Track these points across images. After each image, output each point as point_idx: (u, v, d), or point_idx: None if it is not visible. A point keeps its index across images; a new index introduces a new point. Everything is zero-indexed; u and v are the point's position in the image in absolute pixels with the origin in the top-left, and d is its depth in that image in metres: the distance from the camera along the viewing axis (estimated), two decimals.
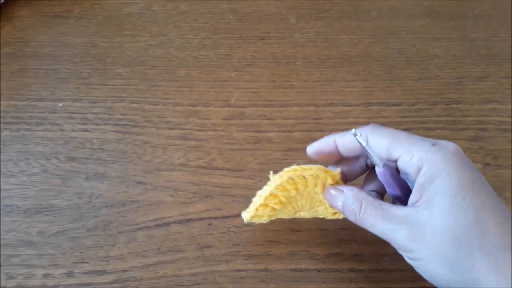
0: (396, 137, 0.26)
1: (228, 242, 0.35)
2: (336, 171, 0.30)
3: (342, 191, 0.28)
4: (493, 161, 0.39)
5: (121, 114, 0.44)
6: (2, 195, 0.38)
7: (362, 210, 0.27)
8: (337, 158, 0.31)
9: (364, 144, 0.26)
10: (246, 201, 0.35)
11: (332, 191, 0.29)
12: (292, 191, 0.30)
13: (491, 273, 0.22)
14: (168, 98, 0.45)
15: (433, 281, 0.25)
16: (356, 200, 0.27)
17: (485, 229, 0.23)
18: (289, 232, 0.35)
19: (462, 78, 0.47)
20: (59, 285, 0.33)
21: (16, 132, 0.42)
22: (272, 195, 0.30)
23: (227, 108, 0.44)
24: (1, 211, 0.37)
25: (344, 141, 0.29)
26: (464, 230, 0.23)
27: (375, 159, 0.27)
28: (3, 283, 0.33)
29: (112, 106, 0.44)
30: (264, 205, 0.31)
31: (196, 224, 0.36)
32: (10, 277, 0.33)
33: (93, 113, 0.44)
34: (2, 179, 0.39)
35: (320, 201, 0.31)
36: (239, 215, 0.36)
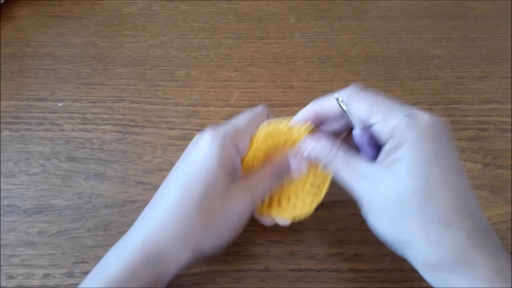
0: (375, 102, 0.27)
1: None
2: (306, 124, 0.31)
3: (318, 139, 0.30)
4: (493, 161, 0.39)
5: (121, 114, 0.44)
6: (2, 195, 0.38)
7: (334, 154, 0.28)
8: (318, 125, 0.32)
9: (345, 108, 0.27)
10: None
11: (308, 139, 0.30)
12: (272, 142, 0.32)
13: (422, 239, 0.24)
14: (168, 98, 0.45)
15: (377, 234, 0.27)
16: (332, 145, 0.29)
17: (427, 201, 0.24)
18: (289, 232, 0.35)
19: (462, 78, 0.47)
20: (59, 285, 0.32)
21: (16, 132, 0.42)
22: (258, 150, 0.31)
23: (227, 108, 0.44)
24: (1, 211, 0.37)
25: (323, 110, 0.30)
26: (409, 196, 0.24)
27: (354, 122, 0.28)
28: (3, 283, 0.33)
29: (112, 106, 0.44)
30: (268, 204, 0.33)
31: None
32: (10, 277, 0.33)
33: (93, 113, 0.44)
34: (2, 179, 0.39)
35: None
36: None
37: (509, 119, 0.42)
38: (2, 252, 0.34)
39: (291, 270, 0.33)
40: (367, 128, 0.28)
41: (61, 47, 0.51)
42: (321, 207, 0.36)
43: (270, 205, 0.33)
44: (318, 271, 0.33)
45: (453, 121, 0.43)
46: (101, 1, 0.56)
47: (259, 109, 0.33)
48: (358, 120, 0.28)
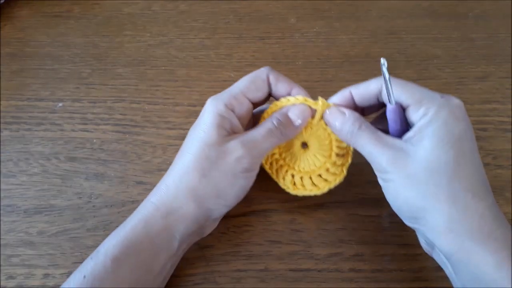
0: (408, 86, 0.29)
1: (228, 242, 0.35)
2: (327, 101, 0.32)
3: (344, 112, 0.31)
4: (493, 161, 0.39)
5: (121, 114, 0.44)
6: (2, 195, 0.38)
7: (360, 131, 0.29)
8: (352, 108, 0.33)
9: (387, 76, 0.28)
10: (246, 201, 0.35)
11: (335, 110, 0.31)
12: None
13: (447, 204, 0.26)
14: (168, 98, 0.45)
15: (395, 203, 0.28)
16: (357, 121, 0.30)
17: (457, 172, 0.26)
18: (289, 232, 0.35)
19: (462, 78, 0.46)
20: (59, 285, 0.32)
21: (16, 132, 0.42)
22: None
23: None
24: (1, 211, 0.37)
25: (360, 91, 0.31)
26: (440, 167, 0.26)
27: (391, 94, 0.29)
28: (3, 283, 0.33)
29: (112, 106, 0.44)
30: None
31: None
32: (10, 277, 0.33)
33: (93, 113, 0.44)
34: (2, 179, 0.39)
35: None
36: (239, 215, 0.36)
37: (509, 119, 0.42)
38: (2, 252, 0.34)
39: (291, 270, 0.33)
40: (399, 105, 0.29)
41: (61, 47, 0.51)
42: (321, 207, 0.37)
43: (293, 183, 0.34)
44: (318, 271, 0.33)
45: None
46: (101, 1, 0.56)
47: (259, 70, 0.33)
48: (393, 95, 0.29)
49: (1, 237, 0.35)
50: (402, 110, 0.29)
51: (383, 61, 0.28)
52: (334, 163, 0.33)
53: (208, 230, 0.33)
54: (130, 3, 0.56)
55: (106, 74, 0.48)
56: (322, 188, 0.34)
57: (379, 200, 0.36)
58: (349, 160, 0.34)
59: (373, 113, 0.34)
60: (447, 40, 0.51)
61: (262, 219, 0.36)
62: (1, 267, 0.33)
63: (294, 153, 0.34)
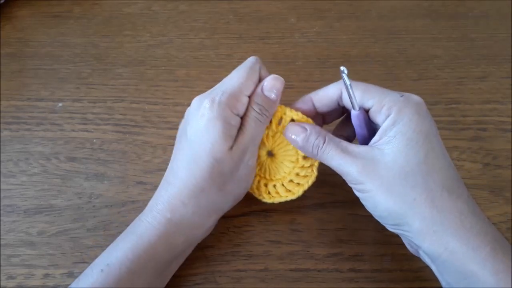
0: (368, 88, 0.29)
1: (228, 242, 0.35)
2: (297, 110, 0.32)
3: (305, 128, 0.31)
4: (493, 161, 0.39)
5: (121, 114, 0.44)
6: (2, 195, 0.38)
7: (324, 144, 0.29)
8: (313, 115, 0.33)
9: (348, 83, 0.28)
10: (246, 201, 0.35)
11: (295, 127, 0.31)
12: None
13: (427, 206, 0.25)
14: (168, 98, 0.45)
15: (376, 212, 0.28)
16: (320, 135, 0.30)
17: (430, 170, 0.26)
18: (289, 232, 0.35)
19: (462, 78, 0.46)
20: (59, 285, 0.33)
21: (16, 132, 0.42)
22: None
23: None
24: (1, 211, 0.37)
25: (320, 97, 0.32)
26: (413, 167, 0.26)
27: (354, 100, 0.29)
28: (3, 283, 0.33)
29: (112, 106, 0.44)
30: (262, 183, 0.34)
31: None
32: (10, 277, 0.33)
33: (93, 113, 0.44)
34: (2, 179, 0.39)
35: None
36: (239, 215, 0.36)
37: (509, 119, 0.42)
38: (2, 252, 0.34)
39: (291, 270, 0.33)
40: (363, 109, 0.29)
41: (61, 47, 0.51)
42: (321, 207, 0.37)
43: (268, 192, 0.34)
44: (318, 271, 0.33)
45: (453, 121, 0.43)
46: (101, 1, 0.56)
47: (250, 62, 0.32)
48: (356, 101, 0.29)
49: (1, 237, 0.35)
50: (366, 114, 0.29)
51: (342, 68, 0.28)
52: (303, 166, 0.33)
53: (211, 230, 0.34)
54: (130, 3, 0.56)
55: (106, 74, 0.48)
56: (296, 192, 0.34)
57: None
58: (318, 160, 0.33)
59: (334, 120, 0.34)
60: (447, 40, 0.51)
61: (262, 219, 0.36)
62: (1, 267, 0.33)
63: (262, 163, 0.34)
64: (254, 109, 0.30)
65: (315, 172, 0.33)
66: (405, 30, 0.52)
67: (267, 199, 0.34)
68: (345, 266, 0.33)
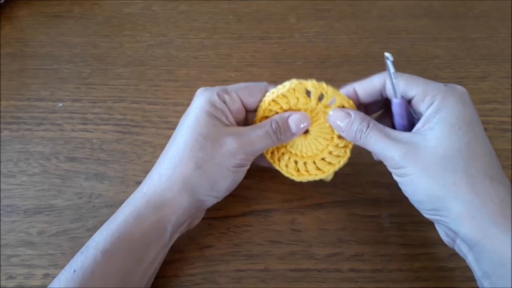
0: (413, 78, 0.29)
1: (228, 242, 0.35)
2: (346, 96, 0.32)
3: (349, 113, 0.31)
4: None
5: (121, 114, 0.44)
6: (2, 195, 0.38)
7: (368, 129, 0.29)
8: (356, 104, 0.33)
9: (392, 70, 0.29)
10: (246, 201, 0.35)
11: (340, 112, 0.31)
12: (292, 100, 0.32)
13: (467, 191, 0.25)
14: (168, 98, 0.45)
15: (415, 197, 0.28)
16: (364, 120, 0.30)
17: (472, 156, 0.26)
18: (289, 232, 0.35)
19: (462, 78, 0.46)
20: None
21: (16, 132, 0.42)
22: (274, 101, 0.32)
23: None
24: (1, 211, 0.37)
25: (364, 87, 0.31)
26: (455, 152, 0.26)
27: (396, 88, 0.29)
28: (3, 283, 0.33)
29: (112, 106, 0.44)
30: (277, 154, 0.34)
31: None
32: (10, 277, 0.33)
33: (93, 113, 0.44)
34: (2, 179, 0.39)
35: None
36: (239, 215, 0.36)
37: (509, 119, 0.42)
38: (2, 252, 0.34)
39: (291, 270, 0.33)
40: (405, 99, 0.29)
41: (61, 47, 0.51)
42: (321, 207, 0.37)
43: (307, 170, 0.34)
44: (318, 271, 0.33)
45: None
46: (101, 1, 0.56)
47: (260, 83, 0.33)
48: (399, 89, 0.29)
49: (1, 237, 0.35)
50: (407, 103, 0.29)
51: (387, 54, 0.29)
52: (337, 145, 0.33)
53: (196, 221, 0.33)
54: (130, 3, 0.56)
55: (106, 74, 0.48)
56: (327, 171, 0.34)
57: (379, 200, 0.36)
58: (348, 154, 0.33)
59: (375, 112, 0.34)
60: (447, 40, 0.51)
61: (262, 219, 0.36)
62: (1, 267, 0.33)
63: (295, 139, 0.34)
64: (271, 124, 0.31)
65: (348, 154, 0.33)
66: (405, 30, 0.52)
67: (295, 176, 0.34)
68: (345, 266, 0.33)
